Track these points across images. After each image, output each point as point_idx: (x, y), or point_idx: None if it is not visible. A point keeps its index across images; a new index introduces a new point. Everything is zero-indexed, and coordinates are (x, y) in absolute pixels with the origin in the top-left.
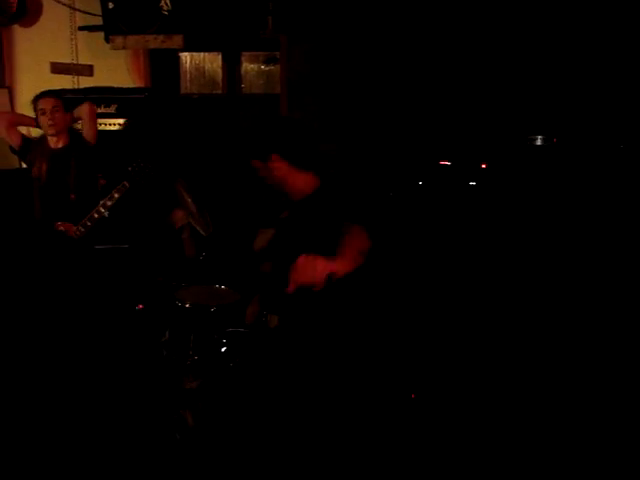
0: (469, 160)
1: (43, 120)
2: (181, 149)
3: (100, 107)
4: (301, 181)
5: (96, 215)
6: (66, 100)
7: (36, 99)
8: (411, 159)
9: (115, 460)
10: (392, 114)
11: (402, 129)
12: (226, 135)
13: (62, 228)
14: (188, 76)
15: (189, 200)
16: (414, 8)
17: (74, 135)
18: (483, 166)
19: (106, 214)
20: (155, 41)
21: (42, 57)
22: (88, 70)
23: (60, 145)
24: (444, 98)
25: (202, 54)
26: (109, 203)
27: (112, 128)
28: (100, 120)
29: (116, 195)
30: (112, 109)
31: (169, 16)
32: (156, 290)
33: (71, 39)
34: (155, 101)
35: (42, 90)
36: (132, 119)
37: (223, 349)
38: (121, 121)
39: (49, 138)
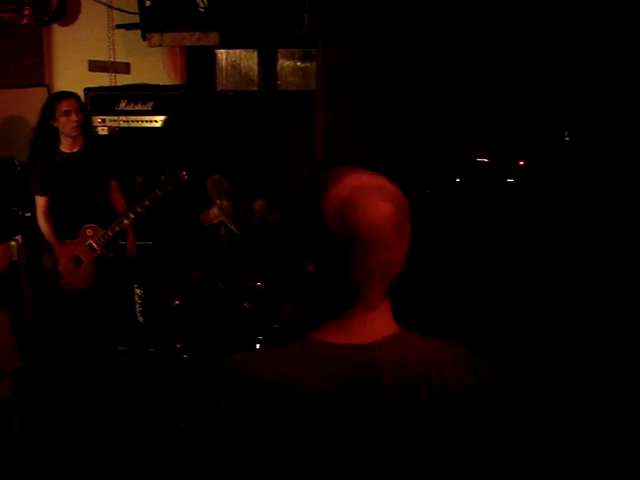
0: (507, 157)
1: (66, 121)
2: (217, 146)
3: (137, 104)
4: None
5: (126, 221)
6: (103, 97)
7: (57, 100)
8: (448, 156)
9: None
10: (428, 111)
11: (439, 126)
12: (262, 132)
13: (90, 231)
14: (224, 73)
15: (221, 198)
16: (450, 6)
17: (89, 136)
18: (521, 163)
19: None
20: (191, 38)
21: (80, 55)
22: (125, 68)
23: (76, 149)
24: (482, 94)
25: (238, 51)
26: (139, 210)
27: (148, 125)
28: (137, 117)
29: (147, 203)
30: (149, 106)
31: (205, 13)
32: (192, 286)
33: (108, 37)
34: (191, 98)
35: (62, 90)
36: (169, 116)
37: (258, 346)
38: (157, 118)
39: (64, 142)
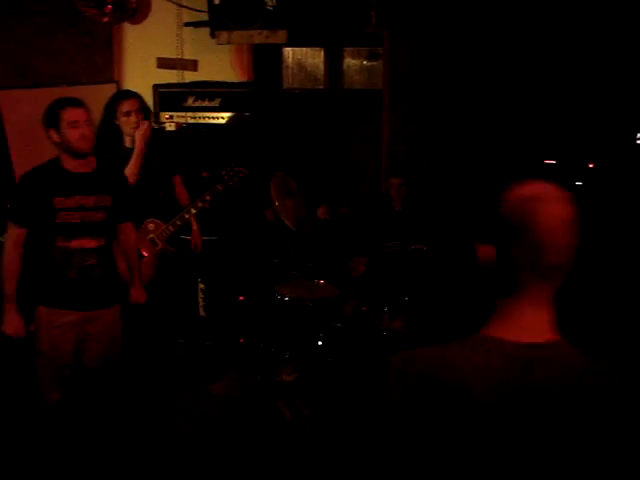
0: (576, 159)
1: (127, 121)
2: (282, 143)
3: (204, 101)
4: None
5: (187, 215)
6: (171, 94)
7: (119, 100)
8: (515, 158)
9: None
10: (497, 112)
11: (506, 127)
12: (327, 130)
13: (152, 226)
14: (290, 71)
15: (283, 196)
16: (518, 7)
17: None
18: (590, 165)
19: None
20: (259, 36)
21: (149, 52)
22: (193, 65)
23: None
24: (550, 95)
25: (304, 49)
26: (200, 204)
27: (215, 122)
28: (204, 114)
29: (208, 198)
30: (216, 103)
31: (273, 11)
32: (257, 283)
33: (177, 35)
34: (258, 96)
35: (124, 90)
36: (235, 113)
37: (320, 343)
38: (224, 115)
39: (126, 139)
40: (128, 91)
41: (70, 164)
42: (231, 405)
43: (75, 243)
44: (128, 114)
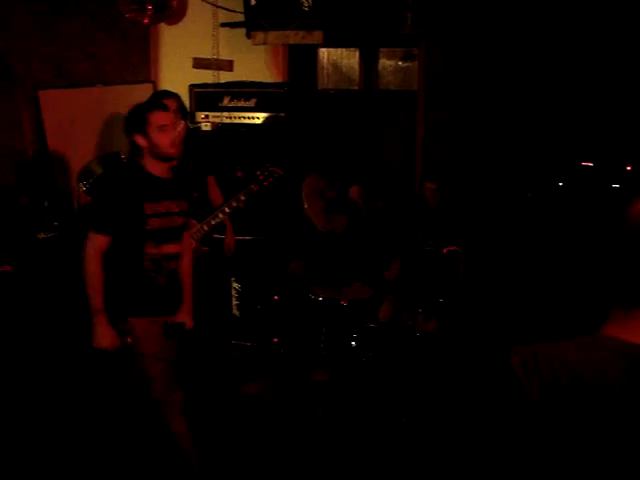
0: (613, 161)
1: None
2: (317, 144)
3: (240, 101)
4: None
5: (221, 215)
6: (207, 94)
7: (160, 99)
8: (552, 159)
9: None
10: (533, 113)
11: (543, 129)
12: (361, 131)
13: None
14: (325, 71)
15: (315, 198)
16: (555, 9)
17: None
18: (628, 168)
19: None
20: (295, 37)
21: (185, 53)
22: (228, 65)
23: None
24: (588, 96)
25: (339, 50)
26: (234, 204)
27: (251, 122)
28: (239, 114)
29: (242, 198)
30: (251, 103)
31: (309, 12)
32: (291, 282)
33: (213, 35)
34: (294, 96)
35: (163, 89)
36: (271, 113)
37: (353, 343)
38: (260, 115)
39: None
40: (167, 91)
41: (156, 169)
42: (264, 404)
43: (164, 249)
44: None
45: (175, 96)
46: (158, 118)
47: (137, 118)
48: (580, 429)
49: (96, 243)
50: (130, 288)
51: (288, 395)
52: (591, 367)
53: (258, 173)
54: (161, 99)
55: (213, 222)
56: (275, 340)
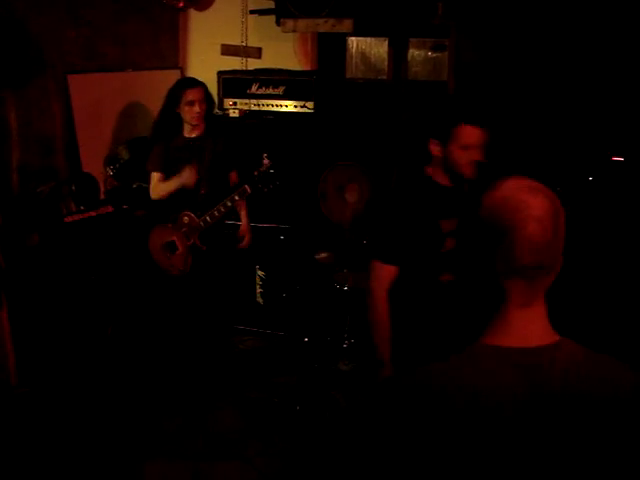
0: None
1: (189, 110)
2: (345, 133)
3: (268, 88)
4: None
5: (216, 214)
6: (235, 81)
7: (183, 89)
8: (582, 153)
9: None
10: (563, 107)
11: (573, 122)
12: (391, 121)
13: (186, 219)
14: (354, 61)
15: (335, 188)
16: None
17: (211, 126)
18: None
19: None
20: (325, 25)
21: (213, 39)
22: (257, 52)
23: (194, 134)
24: (620, 91)
25: (368, 39)
26: (229, 204)
27: (279, 109)
28: (267, 101)
29: (237, 198)
30: (280, 91)
31: (340, 0)
32: (315, 271)
33: (242, 22)
34: (323, 84)
35: (188, 77)
36: (299, 101)
37: None
38: (288, 103)
39: (185, 127)
40: (194, 79)
41: (445, 180)
42: (288, 392)
43: (446, 277)
44: (192, 103)
45: (202, 85)
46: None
47: (446, 129)
48: (475, 450)
49: (383, 276)
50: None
51: (312, 384)
52: (482, 382)
53: (255, 173)
54: (187, 87)
55: (210, 220)
56: (299, 329)
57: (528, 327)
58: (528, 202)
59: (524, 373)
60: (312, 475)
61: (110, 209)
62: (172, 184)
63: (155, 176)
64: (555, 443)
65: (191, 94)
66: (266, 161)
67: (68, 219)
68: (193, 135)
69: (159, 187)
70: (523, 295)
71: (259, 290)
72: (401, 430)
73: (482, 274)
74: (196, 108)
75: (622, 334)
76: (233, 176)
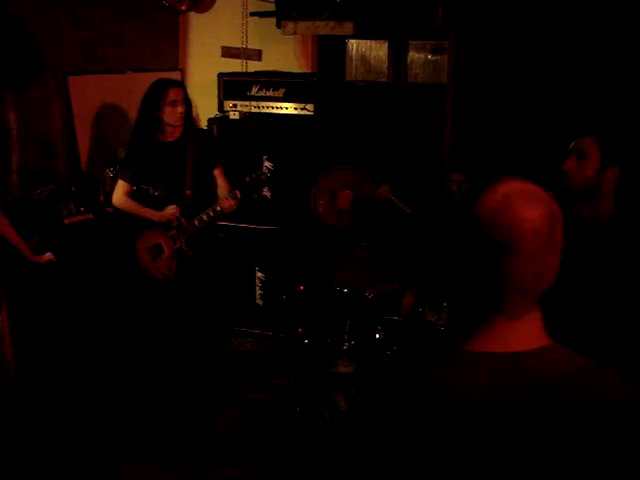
0: None
1: (172, 111)
2: (345, 135)
3: (269, 90)
4: None
5: (205, 218)
6: (236, 83)
7: (165, 88)
8: None
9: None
10: (564, 111)
11: (575, 122)
12: (390, 123)
13: (175, 222)
14: (354, 63)
15: (327, 193)
16: (587, 3)
17: (189, 128)
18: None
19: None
20: (326, 27)
21: (214, 41)
22: (257, 55)
23: (172, 138)
24: (621, 98)
25: (368, 42)
26: (218, 209)
27: (279, 112)
28: (267, 103)
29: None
30: (280, 93)
31: (340, 3)
32: (316, 273)
33: (242, 24)
34: (323, 87)
35: (167, 78)
36: (299, 103)
37: (377, 336)
38: (288, 105)
39: (167, 130)
40: (173, 80)
41: None
42: (287, 394)
43: None
44: (174, 104)
45: (182, 85)
46: None
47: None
48: (450, 451)
49: None
50: None
51: (311, 386)
52: (458, 388)
53: (247, 179)
54: (169, 87)
55: (197, 224)
56: (300, 331)
57: (512, 334)
58: (523, 215)
59: (497, 377)
60: (312, 476)
61: (109, 210)
62: (141, 211)
63: (121, 185)
64: (523, 446)
65: (173, 94)
66: (267, 163)
67: (68, 220)
68: (171, 139)
69: (124, 200)
70: (515, 306)
71: (259, 292)
72: (388, 432)
73: (473, 287)
74: (179, 108)
75: (622, 334)
76: (217, 172)
